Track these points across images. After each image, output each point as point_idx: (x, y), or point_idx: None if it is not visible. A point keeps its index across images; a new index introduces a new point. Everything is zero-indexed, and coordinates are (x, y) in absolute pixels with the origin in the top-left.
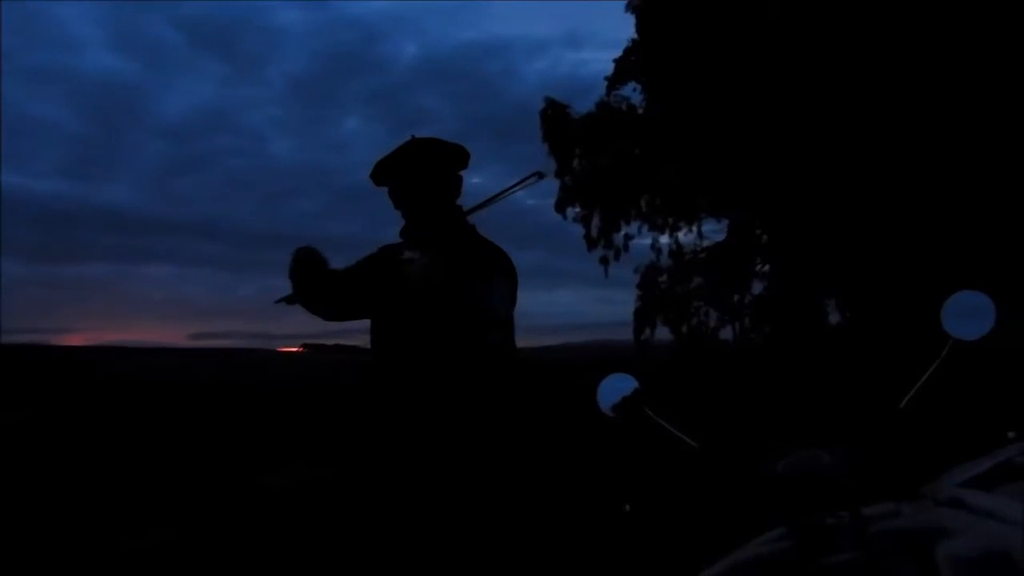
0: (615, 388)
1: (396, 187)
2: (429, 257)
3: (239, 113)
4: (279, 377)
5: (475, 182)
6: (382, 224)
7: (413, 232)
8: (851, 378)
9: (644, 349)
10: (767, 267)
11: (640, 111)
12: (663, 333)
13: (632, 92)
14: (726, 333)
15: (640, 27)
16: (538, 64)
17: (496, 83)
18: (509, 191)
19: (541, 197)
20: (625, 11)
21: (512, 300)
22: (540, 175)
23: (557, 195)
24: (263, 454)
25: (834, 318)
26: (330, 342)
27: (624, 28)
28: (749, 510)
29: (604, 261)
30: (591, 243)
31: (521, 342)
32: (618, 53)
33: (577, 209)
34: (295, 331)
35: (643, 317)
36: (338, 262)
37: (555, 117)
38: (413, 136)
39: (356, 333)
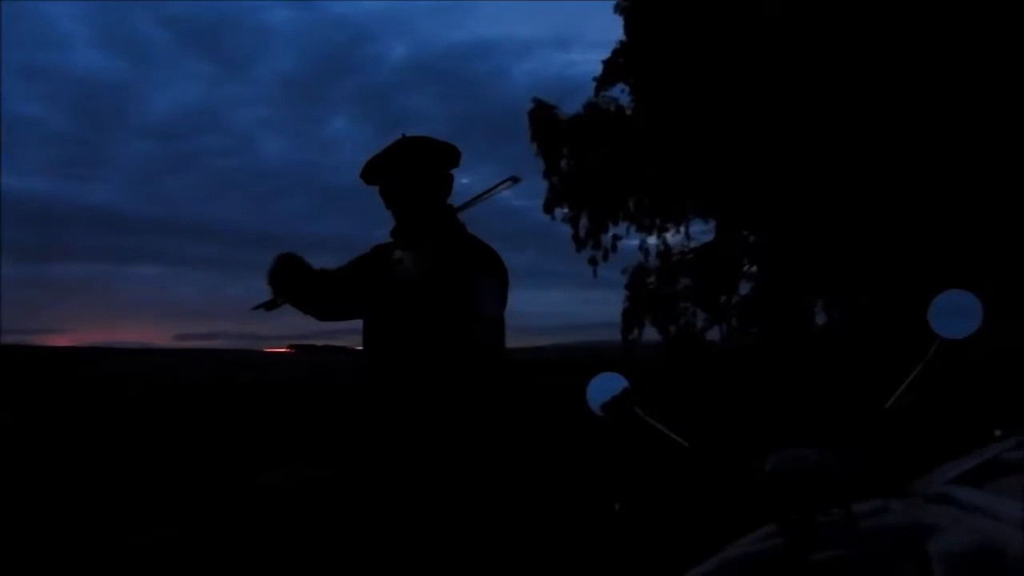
0: (605, 387)
1: (387, 186)
2: (419, 256)
3: (227, 113)
4: (268, 377)
5: (464, 182)
6: (372, 224)
7: (404, 232)
8: (839, 378)
9: (632, 350)
10: (754, 268)
11: (628, 112)
12: (651, 334)
13: (620, 93)
14: (713, 334)
15: (628, 29)
16: (527, 65)
17: (485, 84)
18: (482, 197)
19: (530, 198)
20: (613, 12)
21: (503, 300)
22: (515, 179)
23: (545, 196)
24: (255, 453)
25: (821, 319)
26: (319, 343)
27: (612, 30)
28: (739, 508)
29: (592, 262)
30: (579, 244)
31: (512, 343)
32: (606, 54)
33: (565, 210)
34: (283, 332)
35: (631, 318)
36: (327, 263)
37: (543, 118)
38: (404, 135)
39: (345, 334)
